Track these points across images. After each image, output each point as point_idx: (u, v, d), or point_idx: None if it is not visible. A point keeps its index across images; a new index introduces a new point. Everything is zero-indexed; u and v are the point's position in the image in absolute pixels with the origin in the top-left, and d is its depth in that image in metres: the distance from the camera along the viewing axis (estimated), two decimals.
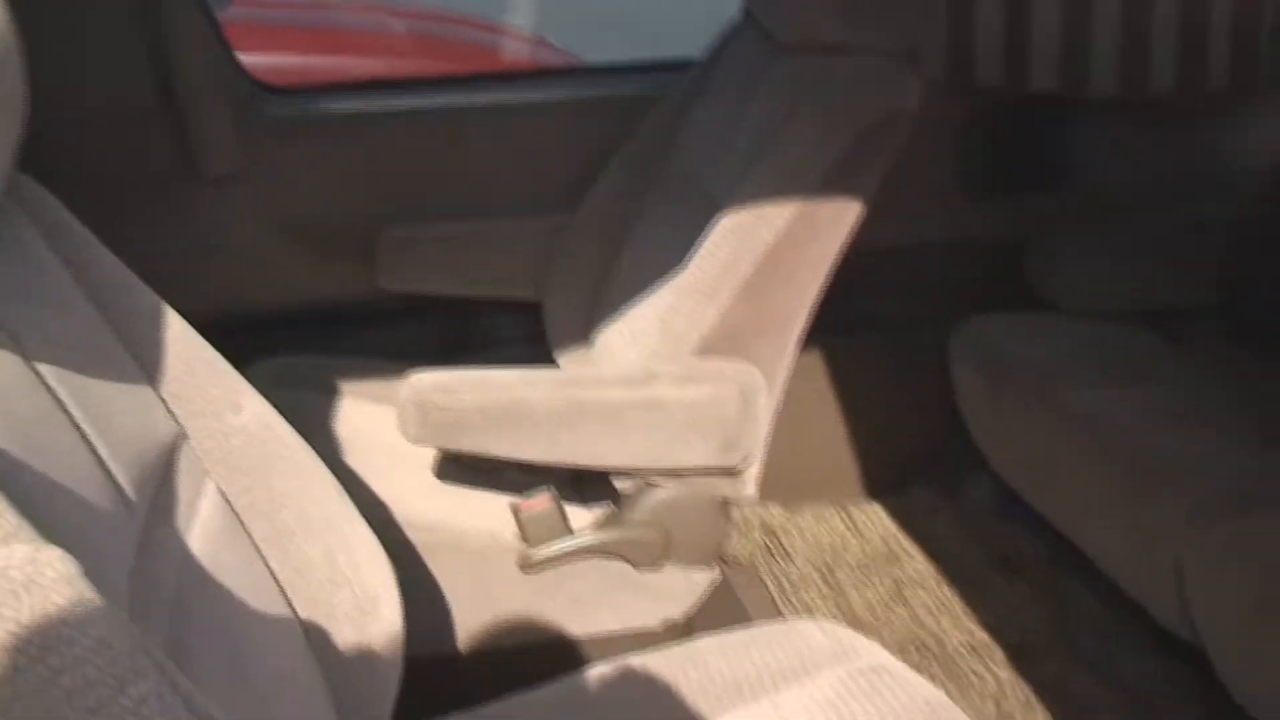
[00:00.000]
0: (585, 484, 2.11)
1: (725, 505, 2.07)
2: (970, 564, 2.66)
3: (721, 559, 2.14)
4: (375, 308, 2.65)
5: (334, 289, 2.61)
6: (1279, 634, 1.94)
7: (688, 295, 1.97)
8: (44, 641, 0.76)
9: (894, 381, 2.82)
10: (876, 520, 2.82)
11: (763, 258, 1.94)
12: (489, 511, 2.03)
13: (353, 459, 2.09)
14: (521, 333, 2.67)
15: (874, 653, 1.65)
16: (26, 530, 0.82)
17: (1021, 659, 2.38)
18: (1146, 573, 2.19)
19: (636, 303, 2.20)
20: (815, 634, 1.68)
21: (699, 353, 1.96)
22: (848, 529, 2.79)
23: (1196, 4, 2.65)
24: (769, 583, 2.59)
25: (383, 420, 2.19)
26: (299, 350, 2.45)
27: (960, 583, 2.59)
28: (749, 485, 2.06)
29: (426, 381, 1.87)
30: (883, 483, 2.90)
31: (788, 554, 2.69)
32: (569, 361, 2.37)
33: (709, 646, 1.67)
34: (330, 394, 2.31)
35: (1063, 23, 2.61)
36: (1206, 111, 2.84)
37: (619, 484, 2.05)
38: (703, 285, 1.96)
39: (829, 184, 1.94)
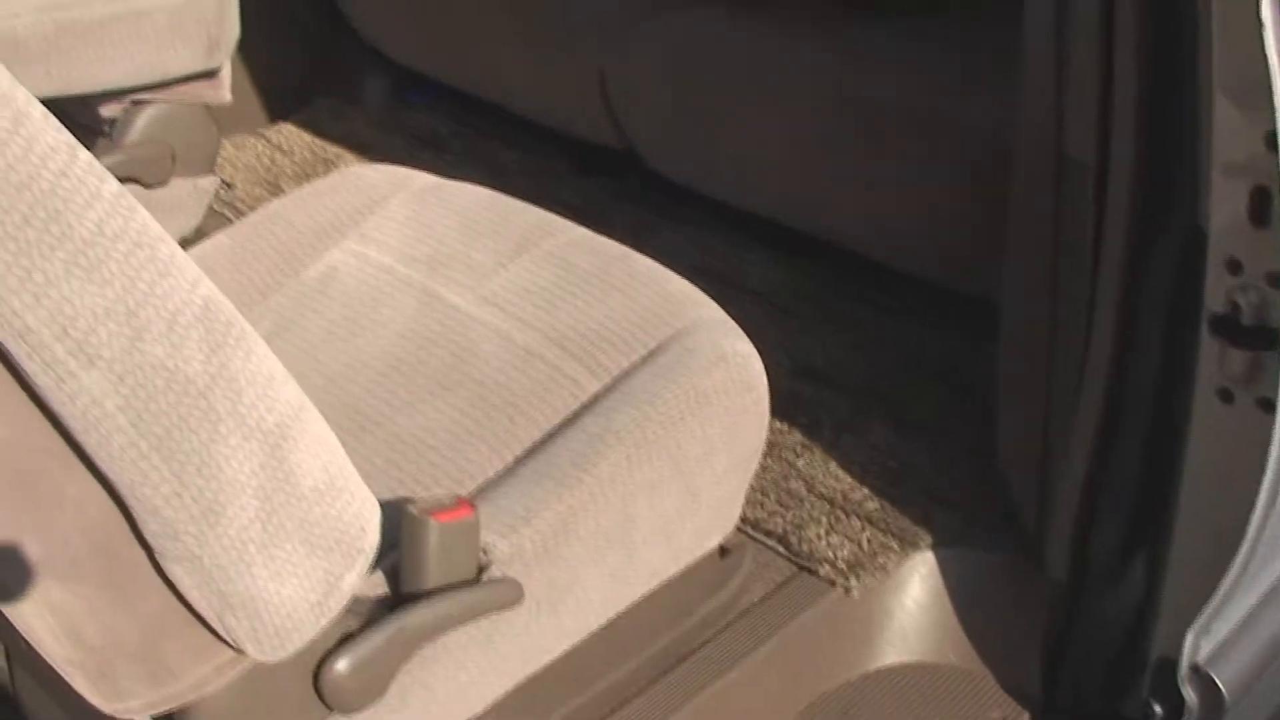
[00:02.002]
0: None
1: (212, 112, 2.14)
2: (397, 148, 2.87)
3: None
4: None
5: None
6: (692, 113, 2.36)
7: None
8: None
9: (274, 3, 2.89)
10: (293, 136, 2.95)
11: None
12: None
13: None
14: None
15: (427, 177, 1.86)
16: None
17: None
18: (570, 94, 2.52)
19: None
20: (371, 174, 1.85)
21: None
22: (271, 148, 2.90)
23: None
24: (224, 211, 2.67)
25: None
26: None
27: (395, 162, 2.81)
28: (225, 88, 2.14)
29: None
30: (284, 101, 3.01)
31: (226, 184, 2.77)
32: None
33: (281, 206, 1.80)
34: None
35: None
36: None
37: (104, 111, 2.06)
38: None
39: None
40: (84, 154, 0.88)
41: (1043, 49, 1.68)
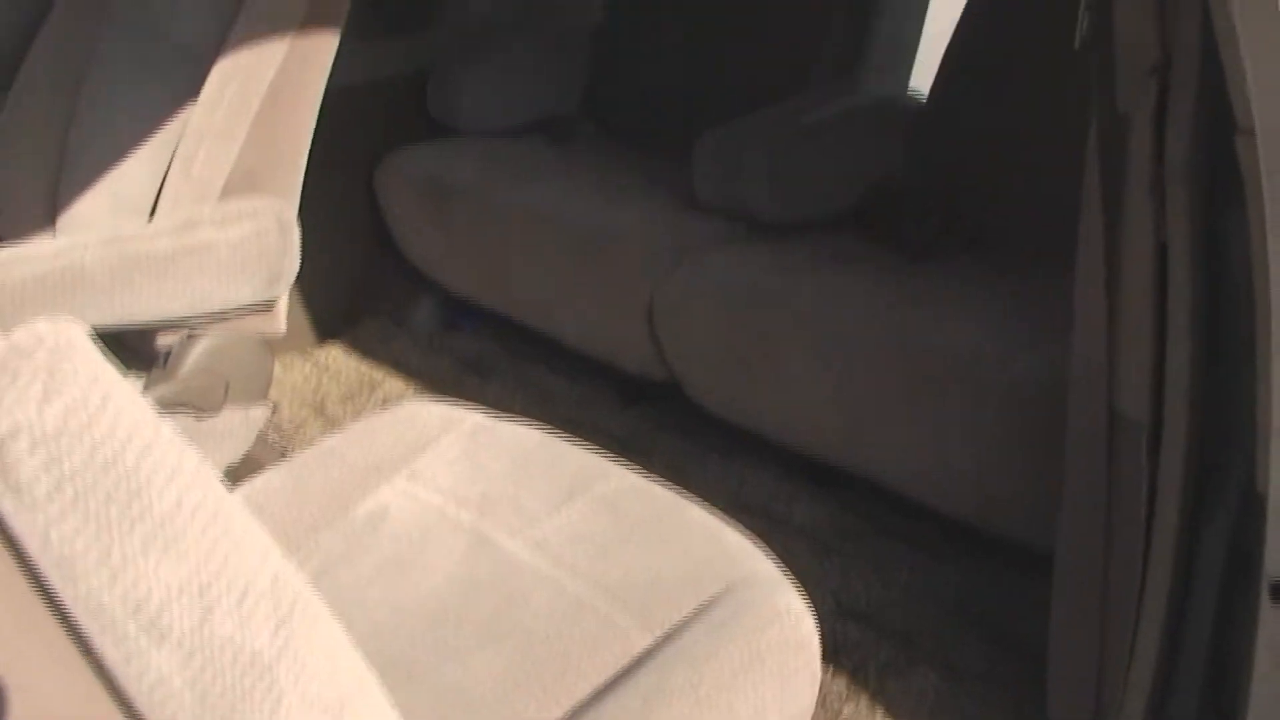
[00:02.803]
0: (118, 350, 2.12)
1: (266, 342, 2.17)
2: (443, 374, 2.90)
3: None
4: None
5: None
6: (739, 350, 2.38)
7: (203, 140, 2.03)
8: None
9: (329, 225, 2.95)
10: (339, 358, 2.99)
11: (266, 95, 2.04)
12: None
13: None
14: None
15: (479, 415, 1.87)
16: None
17: None
18: (618, 326, 2.55)
19: (114, 164, 2.20)
20: (424, 411, 1.86)
21: (224, 195, 2.04)
22: (318, 370, 2.93)
23: None
24: (269, 432, 2.69)
25: None
26: None
27: (441, 389, 2.84)
28: (281, 320, 2.17)
29: None
30: (333, 323, 3.06)
31: (271, 403, 2.79)
32: (29, 238, 2.31)
33: (336, 443, 1.81)
34: None
35: None
36: None
37: (161, 340, 2.08)
38: (215, 130, 2.03)
39: (310, 18, 2.08)
40: (166, 428, 0.89)
41: (1093, 304, 1.70)
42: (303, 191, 2.76)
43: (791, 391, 2.32)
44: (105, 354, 0.92)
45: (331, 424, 2.73)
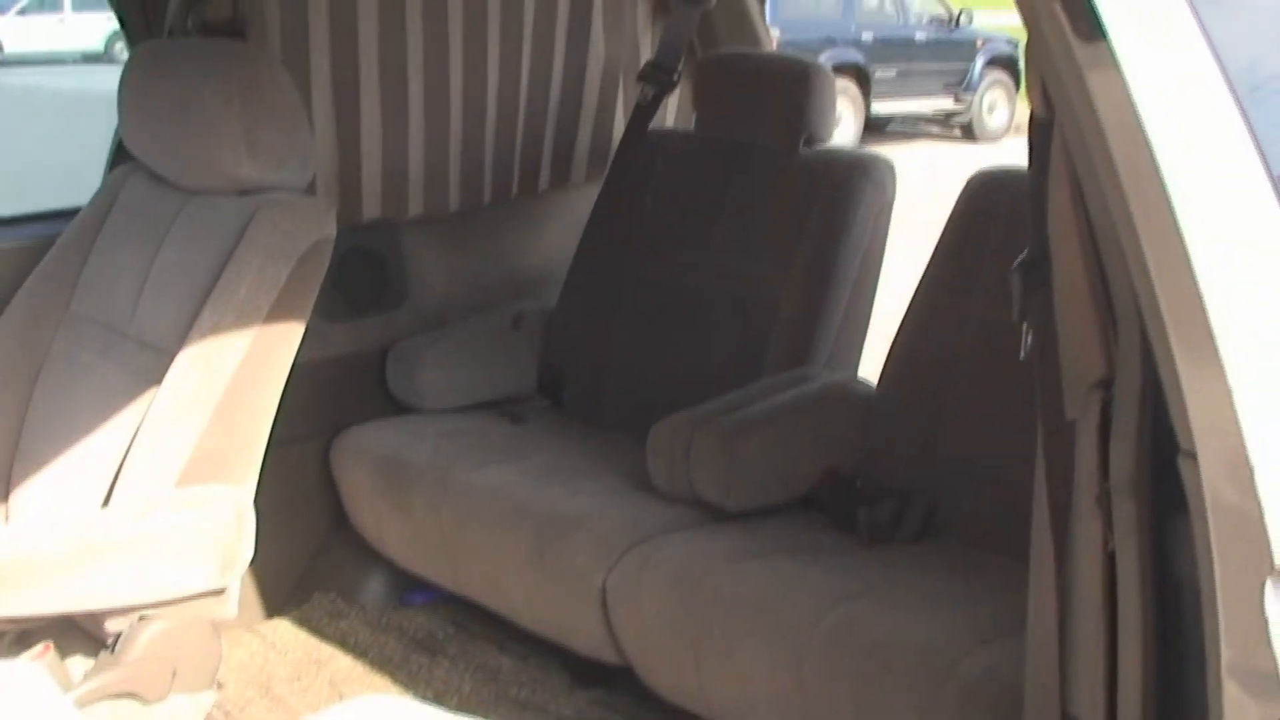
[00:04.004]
0: (67, 633, 2.09)
1: (216, 626, 2.15)
2: (391, 652, 2.87)
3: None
4: None
5: None
6: (692, 637, 2.36)
7: (161, 428, 2.05)
8: None
9: (282, 498, 2.95)
10: (289, 634, 2.95)
11: (229, 384, 2.07)
12: None
13: None
14: None
15: (431, 711, 1.83)
16: None
17: None
18: (571, 610, 2.54)
19: (70, 449, 2.21)
20: (374, 707, 1.83)
21: (181, 482, 2.05)
22: (265, 647, 2.89)
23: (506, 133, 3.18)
24: (213, 712, 2.63)
25: None
26: None
27: (389, 670, 2.80)
28: (232, 603, 2.15)
29: None
30: (282, 598, 3.02)
31: (217, 683, 2.73)
32: None
33: None
34: None
35: (425, 159, 3.02)
36: (511, 223, 3.33)
37: (110, 624, 2.05)
38: (174, 418, 2.05)
39: (277, 310, 2.12)
40: None
41: (1045, 611, 1.72)
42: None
43: (744, 681, 2.30)
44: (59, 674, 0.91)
45: (278, 704, 2.68)
